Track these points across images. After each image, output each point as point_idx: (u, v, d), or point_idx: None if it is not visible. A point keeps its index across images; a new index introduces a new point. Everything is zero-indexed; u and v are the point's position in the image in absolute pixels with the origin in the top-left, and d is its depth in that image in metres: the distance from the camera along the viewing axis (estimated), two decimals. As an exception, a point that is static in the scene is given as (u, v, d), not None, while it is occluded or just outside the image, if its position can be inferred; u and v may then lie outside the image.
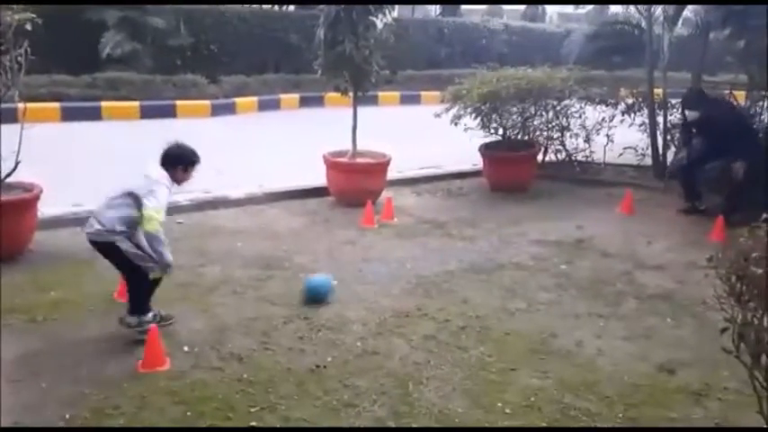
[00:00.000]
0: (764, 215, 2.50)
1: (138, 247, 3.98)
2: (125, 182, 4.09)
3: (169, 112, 12.81)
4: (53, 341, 4.03)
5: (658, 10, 9.03)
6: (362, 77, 7.24)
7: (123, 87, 12.90)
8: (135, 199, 3.93)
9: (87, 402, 3.43)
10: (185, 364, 3.83)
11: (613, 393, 3.64)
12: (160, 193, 3.96)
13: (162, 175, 4.08)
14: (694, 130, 7.31)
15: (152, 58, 13.98)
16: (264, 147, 10.17)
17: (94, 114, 12.05)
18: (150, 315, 4.11)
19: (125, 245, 3.93)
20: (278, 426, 3.29)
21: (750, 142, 6.87)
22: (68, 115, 11.73)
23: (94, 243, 4.03)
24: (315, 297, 4.71)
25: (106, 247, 3.99)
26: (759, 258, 2.35)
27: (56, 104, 11.77)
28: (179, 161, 4.18)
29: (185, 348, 4.00)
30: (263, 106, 14.32)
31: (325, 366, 3.83)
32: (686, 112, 7.11)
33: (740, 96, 8.59)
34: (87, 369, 3.75)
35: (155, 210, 3.89)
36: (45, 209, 5.80)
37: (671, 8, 9.00)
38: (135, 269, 4.00)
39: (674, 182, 7.65)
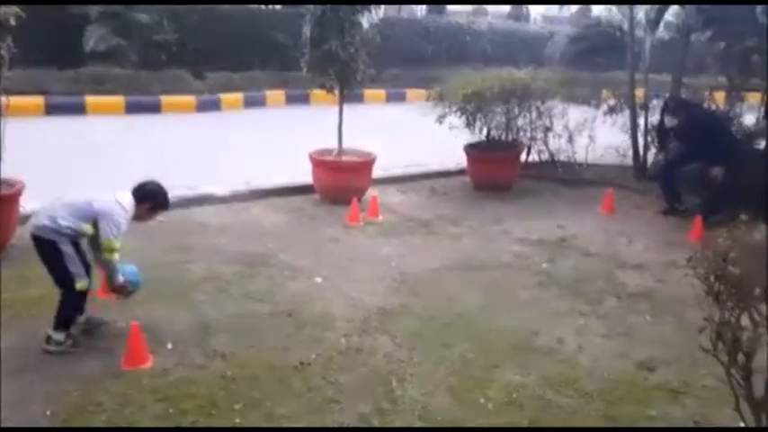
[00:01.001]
0: (742, 216, 2.55)
1: (78, 253, 3.88)
2: (92, 192, 3.99)
3: (154, 108, 12.74)
4: (35, 337, 3.99)
5: (640, 13, 9.14)
6: (348, 75, 7.25)
7: (108, 82, 12.82)
8: (93, 215, 3.83)
9: (69, 399, 3.42)
10: (169, 361, 3.83)
11: (593, 390, 3.69)
12: (122, 225, 3.87)
13: (131, 206, 3.97)
14: (672, 134, 7.41)
15: (137, 53, 13.88)
16: (250, 144, 10.15)
17: (79, 109, 11.96)
18: (61, 336, 3.91)
19: (67, 248, 3.83)
20: (261, 423, 3.30)
21: (728, 145, 6.97)
22: (52, 110, 11.63)
23: (36, 238, 3.85)
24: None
25: (46, 246, 3.83)
26: (737, 259, 2.40)
27: (39, 99, 11.66)
28: (151, 199, 4.10)
29: (169, 345, 3.99)
30: (248, 103, 14.27)
31: (309, 363, 3.85)
32: (666, 119, 7.21)
33: (720, 98, 8.71)
34: (69, 366, 3.74)
35: (112, 240, 3.81)
36: (28, 204, 5.75)
37: (653, 11, 9.10)
38: (66, 278, 3.86)
39: (654, 183, 7.74)
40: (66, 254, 3.82)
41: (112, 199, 3.92)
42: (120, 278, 4.01)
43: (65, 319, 3.92)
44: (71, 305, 3.94)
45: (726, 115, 7.98)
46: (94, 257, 4.01)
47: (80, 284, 3.88)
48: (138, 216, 4.06)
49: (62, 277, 3.88)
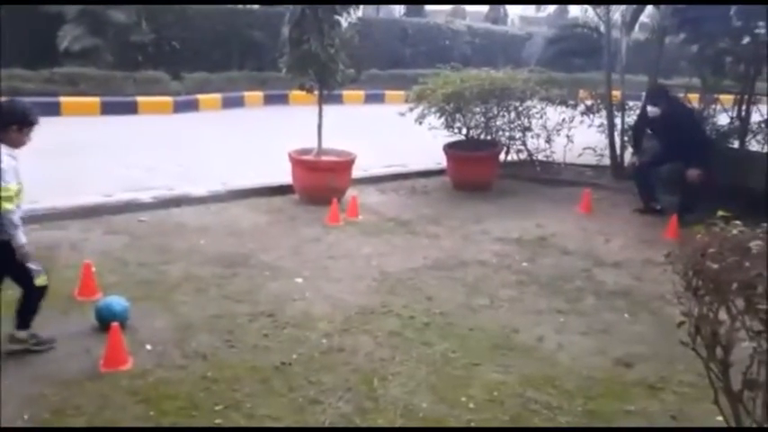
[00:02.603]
0: (719, 213, 2.60)
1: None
2: None
3: (131, 109, 12.60)
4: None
5: (616, 14, 9.27)
6: (328, 76, 7.24)
7: (83, 83, 12.64)
8: None
9: (47, 402, 3.37)
10: (148, 362, 3.79)
11: (573, 387, 3.72)
12: (5, 172, 3.48)
13: None
14: (649, 131, 7.49)
15: (112, 53, 13.72)
16: (228, 144, 10.09)
17: (53, 110, 11.75)
18: (26, 334, 3.82)
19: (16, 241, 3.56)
20: (243, 424, 3.28)
21: (702, 143, 7.08)
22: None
23: None
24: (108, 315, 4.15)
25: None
26: (714, 254, 2.44)
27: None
28: (12, 120, 3.63)
29: (148, 347, 3.95)
30: (226, 104, 14.19)
31: (290, 363, 3.83)
32: (648, 108, 7.27)
33: (694, 99, 8.85)
34: (47, 369, 3.68)
35: (2, 189, 3.46)
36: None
37: (628, 13, 9.23)
38: (27, 274, 3.71)
39: (631, 182, 7.84)
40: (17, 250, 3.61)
41: None
42: (21, 238, 3.56)
43: (26, 316, 3.82)
44: (33, 302, 3.82)
45: (700, 115, 8.10)
46: None
47: (38, 280, 3.73)
48: (12, 143, 3.63)
49: (25, 276, 3.73)
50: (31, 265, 3.71)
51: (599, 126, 9.04)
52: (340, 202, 6.93)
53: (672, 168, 7.16)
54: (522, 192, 8.30)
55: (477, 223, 6.82)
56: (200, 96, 13.84)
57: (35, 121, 3.73)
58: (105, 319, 4.03)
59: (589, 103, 9.10)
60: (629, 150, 8.77)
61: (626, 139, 8.90)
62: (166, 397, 3.45)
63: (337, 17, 7.12)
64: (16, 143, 3.67)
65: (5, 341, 3.84)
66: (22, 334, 3.84)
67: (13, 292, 4.50)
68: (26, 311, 3.84)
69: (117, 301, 4.19)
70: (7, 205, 3.49)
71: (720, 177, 6.81)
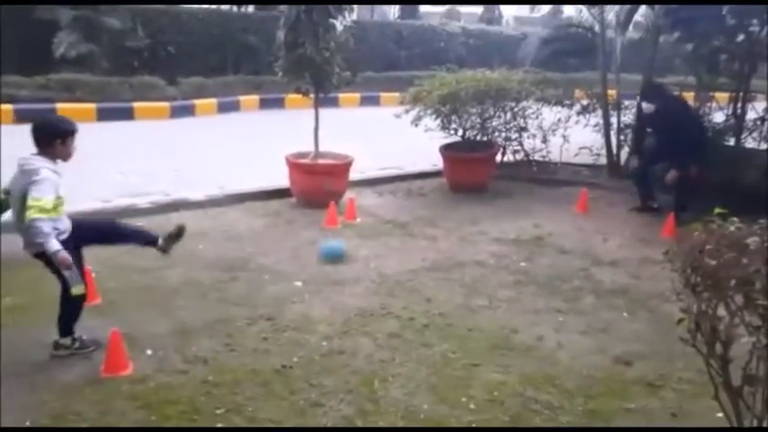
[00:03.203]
0: (716, 210, 2.61)
1: (73, 257, 3.73)
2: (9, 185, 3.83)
3: (127, 115, 12.60)
4: (10, 348, 3.93)
5: (611, 14, 9.28)
6: (324, 79, 7.25)
7: (78, 89, 12.64)
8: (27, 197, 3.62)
9: (48, 409, 3.37)
10: (149, 367, 3.79)
11: (573, 386, 3.73)
12: (43, 180, 3.62)
13: (38, 160, 3.70)
14: (649, 130, 7.51)
15: (108, 59, 13.72)
16: (225, 148, 10.09)
17: (48, 117, 11.76)
18: (70, 340, 3.96)
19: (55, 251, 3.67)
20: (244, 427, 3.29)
21: (700, 141, 7.10)
22: (22, 117, 11.41)
23: (35, 256, 3.77)
24: (332, 256, 5.46)
25: (43, 257, 3.71)
26: (712, 251, 2.45)
27: (8, 106, 11.46)
28: (53, 136, 3.77)
29: (148, 352, 3.96)
30: (222, 108, 14.19)
31: (290, 366, 3.84)
32: (643, 105, 7.30)
33: (689, 97, 8.87)
34: (47, 375, 3.68)
35: (33, 199, 3.56)
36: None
37: (623, 12, 9.25)
38: (64, 284, 3.80)
39: (628, 181, 7.86)
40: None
41: (20, 173, 3.70)
42: (53, 245, 3.60)
43: (67, 323, 3.94)
44: (70, 310, 3.94)
45: (696, 112, 8.12)
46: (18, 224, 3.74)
47: (75, 290, 3.77)
48: (61, 156, 3.80)
49: (63, 283, 3.83)
50: (67, 274, 3.72)
51: (595, 125, 9.06)
52: (337, 205, 6.93)
53: (669, 166, 7.16)
54: (519, 192, 8.31)
55: (475, 224, 6.83)
56: (196, 101, 13.85)
57: (75, 129, 3.86)
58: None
59: (585, 102, 9.12)
60: (626, 149, 8.81)
61: (622, 138, 8.93)
62: (167, 402, 3.45)
63: (332, 20, 7.13)
64: (64, 156, 3.82)
65: (52, 348, 3.93)
66: (66, 340, 3.94)
67: (10, 299, 4.52)
68: (66, 319, 3.94)
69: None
70: (36, 214, 3.55)
71: (717, 174, 6.83)
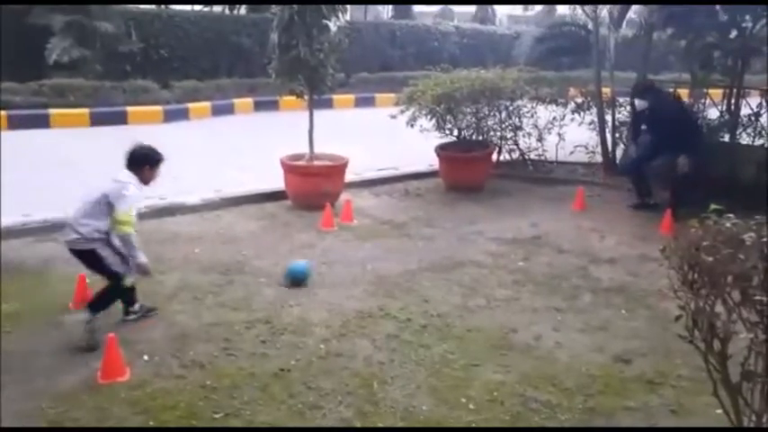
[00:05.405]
0: (712, 206, 2.60)
1: (116, 252, 4.13)
2: (97, 187, 4.17)
3: (120, 119, 12.53)
4: (7, 354, 3.91)
5: (604, 11, 9.29)
6: (318, 80, 7.23)
7: (71, 94, 12.56)
8: (108, 204, 4.06)
9: (45, 416, 3.35)
10: (146, 373, 3.78)
11: (572, 384, 3.73)
12: (130, 196, 4.10)
13: (129, 176, 4.20)
14: (644, 127, 7.51)
15: (101, 63, 13.67)
16: (220, 152, 10.06)
17: (42, 122, 11.71)
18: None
19: (104, 252, 4.12)
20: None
21: (695, 137, 7.11)
22: (15, 123, 11.39)
23: (73, 251, 4.12)
24: (295, 278, 5.07)
25: (86, 255, 4.11)
26: (709, 247, 2.45)
27: (2, 112, 11.41)
28: (144, 161, 4.29)
29: (145, 357, 3.94)
30: (217, 111, 14.14)
31: (288, 369, 3.83)
32: (635, 102, 7.29)
33: (683, 94, 8.89)
34: (44, 382, 3.66)
35: (124, 213, 4.03)
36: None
37: (616, 10, 9.27)
38: (115, 277, 4.15)
39: (624, 178, 7.86)
40: (104, 258, 4.11)
41: (112, 181, 4.17)
42: (141, 257, 4.16)
43: (105, 303, 4.19)
44: (117, 295, 4.26)
45: (691, 109, 8.14)
46: (118, 238, 4.16)
47: (129, 281, 4.21)
48: (145, 179, 4.29)
49: (111, 277, 4.17)
50: (118, 269, 4.16)
51: (590, 123, 9.07)
52: (333, 207, 6.91)
53: (665, 162, 7.17)
54: (516, 191, 8.31)
55: (472, 224, 6.83)
56: (190, 105, 13.79)
57: (162, 158, 4.40)
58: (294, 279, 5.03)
59: (579, 100, 9.12)
60: (621, 147, 8.82)
61: (617, 135, 8.94)
62: (165, 407, 3.44)
63: (326, 21, 7.11)
64: (148, 180, 4.33)
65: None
66: (89, 315, 4.07)
67: (9, 304, 4.49)
68: (106, 299, 4.21)
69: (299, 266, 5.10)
70: (131, 229, 4.09)
71: (712, 170, 6.84)
